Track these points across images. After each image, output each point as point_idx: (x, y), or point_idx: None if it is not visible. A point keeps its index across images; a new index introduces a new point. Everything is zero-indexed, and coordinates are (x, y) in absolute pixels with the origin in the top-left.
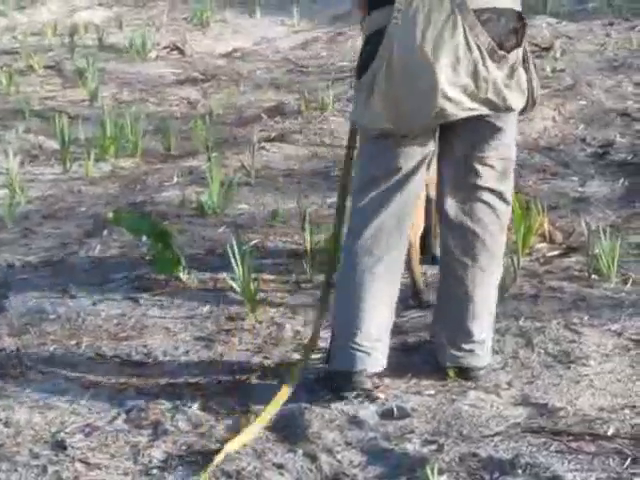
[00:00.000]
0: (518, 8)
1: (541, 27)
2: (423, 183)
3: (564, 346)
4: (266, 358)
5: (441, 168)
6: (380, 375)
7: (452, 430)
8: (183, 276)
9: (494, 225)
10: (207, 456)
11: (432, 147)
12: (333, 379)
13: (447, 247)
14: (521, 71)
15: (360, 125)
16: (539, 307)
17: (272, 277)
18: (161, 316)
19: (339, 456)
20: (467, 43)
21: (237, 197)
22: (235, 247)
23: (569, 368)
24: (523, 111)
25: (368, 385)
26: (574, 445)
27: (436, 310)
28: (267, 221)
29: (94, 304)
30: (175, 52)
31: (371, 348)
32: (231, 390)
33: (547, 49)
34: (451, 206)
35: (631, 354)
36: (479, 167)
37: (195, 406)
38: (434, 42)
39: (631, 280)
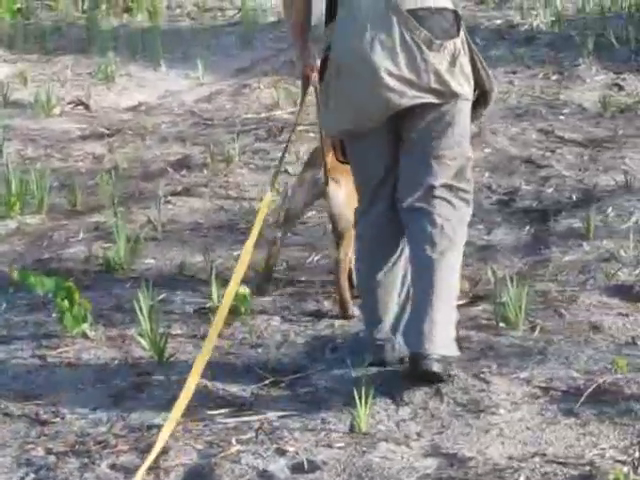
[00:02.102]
0: (451, 7)
1: None
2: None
3: (473, 395)
4: None
5: (399, 169)
6: (289, 428)
7: None
8: (90, 333)
9: (452, 217)
10: None
11: (393, 143)
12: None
13: (410, 240)
14: (464, 59)
15: (325, 128)
16: None
17: (180, 332)
18: (69, 373)
19: None
20: (403, 39)
21: (144, 252)
22: (142, 302)
23: (479, 417)
24: (482, 105)
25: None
26: None
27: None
28: (174, 275)
29: (1, 363)
30: (80, 107)
31: (389, 339)
32: (140, 447)
33: None
34: (409, 204)
35: (540, 402)
36: (435, 164)
37: (104, 464)
38: (372, 42)
39: (538, 328)
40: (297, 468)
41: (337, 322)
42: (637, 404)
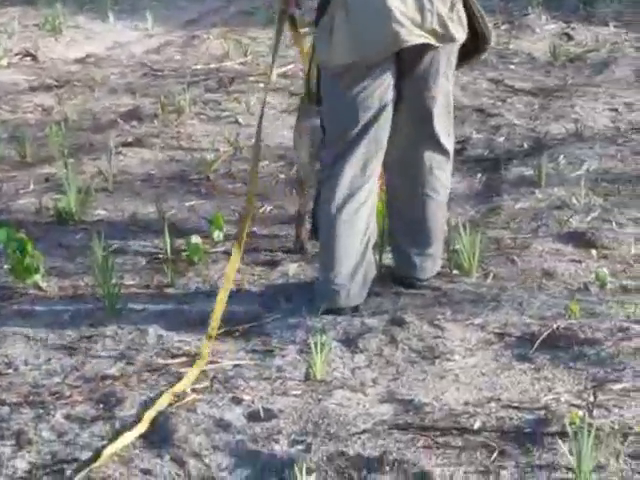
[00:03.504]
0: None
1: None
2: (387, 132)
3: (428, 342)
4: (129, 364)
5: (395, 112)
6: (244, 377)
7: (319, 430)
8: (42, 284)
9: (443, 162)
10: (73, 464)
11: (391, 82)
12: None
13: (403, 179)
14: (460, 6)
15: (327, 63)
16: (402, 303)
17: (133, 282)
18: (21, 325)
19: (207, 460)
20: None
21: (95, 203)
22: (95, 253)
23: (434, 364)
24: (479, 51)
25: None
26: (441, 440)
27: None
28: (126, 226)
29: None
30: (28, 59)
31: (344, 285)
32: (95, 397)
33: None
34: (404, 146)
35: (494, 348)
36: (430, 105)
37: (58, 415)
38: None
39: (492, 275)
40: (253, 416)
41: (290, 271)
42: (591, 349)
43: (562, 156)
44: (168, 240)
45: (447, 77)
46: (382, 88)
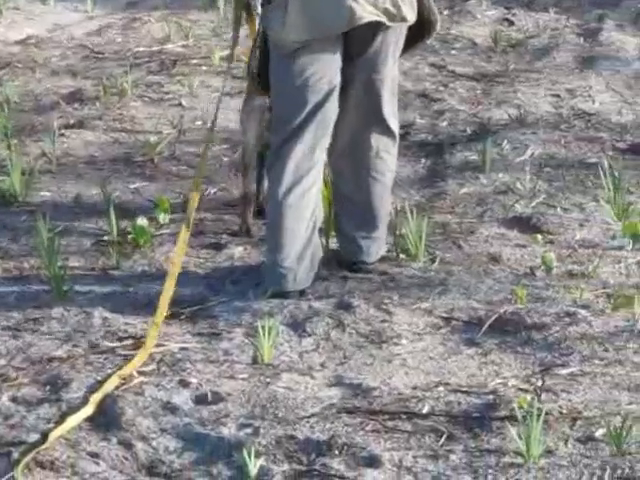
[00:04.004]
0: None
1: None
2: (334, 116)
3: (375, 326)
4: (75, 346)
5: (344, 93)
6: (191, 359)
7: (267, 413)
8: None
9: (390, 147)
10: (19, 447)
11: (340, 65)
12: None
13: (349, 162)
14: None
15: (281, 41)
16: (349, 287)
17: (78, 264)
18: None
19: (154, 443)
20: None
21: (39, 185)
22: (41, 234)
23: (381, 348)
24: (425, 36)
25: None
26: (390, 424)
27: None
28: (71, 208)
29: None
30: None
31: (292, 269)
32: (41, 379)
33: None
34: (352, 130)
35: (442, 332)
36: (379, 86)
37: (4, 397)
38: None
39: (438, 259)
40: (201, 400)
41: (236, 254)
42: (538, 334)
43: (506, 141)
44: (114, 222)
45: (395, 59)
46: (332, 71)
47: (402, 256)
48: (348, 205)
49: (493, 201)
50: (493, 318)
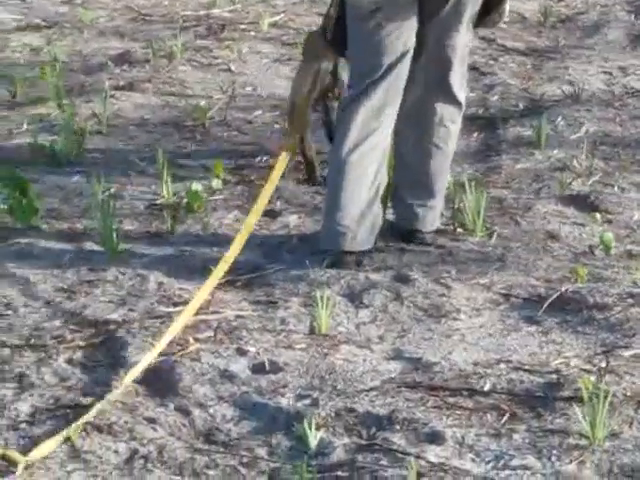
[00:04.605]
0: None
1: None
2: (405, 80)
3: (434, 300)
4: (131, 310)
5: (412, 61)
6: (248, 328)
7: (326, 385)
8: (41, 225)
9: (456, 118)
10: (76, 409)
11: (415, 29)
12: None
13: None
14: None
15: (357, 2)
16: (406, 260)
17: (131, 227)
18: (20, 267)
19: (212, 410)
20: None
21: (90, 146)
22: (95, 195)
23: (440, 322)
24: (498, 9)
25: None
26: (451, 400)
27: (399, 172)
28: (122, 170)
29: None
30: None
31: (350, 228)
32: (96, 343)
33: None
34: (421, 96)
35: (501, 309)
36: (450, 53)
37: (60, 359)
38: None
39: (495, 234)
40: (258, 369)
41: (292, 223)
42: (599, 314)
43: (560, 118)
44: (165, 186)
45: (468, 28)
46: (406, 33)
47: (459, 230)
48: (407, 172)
49: (549, 178)
50: (554, 296)
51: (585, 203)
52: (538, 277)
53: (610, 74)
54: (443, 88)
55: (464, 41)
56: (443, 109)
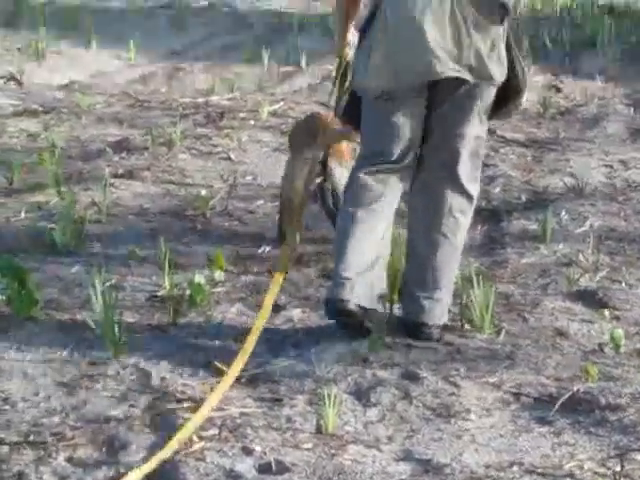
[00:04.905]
0: None
1: None
2: (413, 158)
3: (443, 399)
4: (132, 406)
5: (425, 141)
6: (253, 425)
7: None
8: (39, 317)
9: (465, 207)
10: None
11: (423, 115)
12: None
13: (415, 221)
14: (502, 47)
15: (363, 86)
16: (414, 357)
17: (133, 320)
18: (18, 359)
19: None
20: (453, 13)
21: (89, 234)
22: (96, 287)
23: (450, 422)
24: (513, 102)
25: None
26: None
27: (407, 261)
28: (123, 261)
29: None
30: (12, 83)
31: (350, 279)
32: (98, 440)
33: None
34: (427, 180)
35: (511, 408)
36: (458, 143)
37: (60, 457)
38: (424, 10)
39: (504, 331)
40: (265, 469)
41: (296, 317)
42: (612, 415)
43: (564, 212)
44: (167, 277)
45: (480, 119)
46: (414, 120)
47: (467, 326)
48: (416, 262)
49: (556, 273)
50: (566, 397)
51: (593, 299)
52: (548, 376)
53: (611, 167)
54: (452, 178)
55: (475, 132)
56: (452, 199)
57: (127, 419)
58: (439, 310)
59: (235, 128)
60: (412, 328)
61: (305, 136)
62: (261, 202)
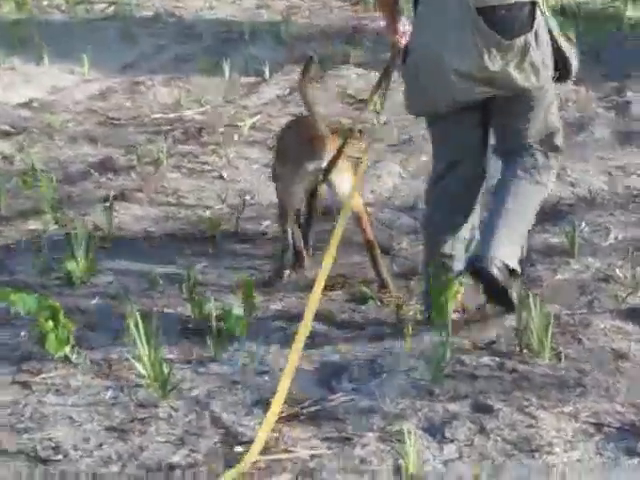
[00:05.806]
0: None
1: (350, 78)
2: (483, 162)
3: (521, 432)
4: (193, 451)
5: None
6: (328, 469)
7: None
8: (72, 355)
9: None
10: None
11: (476, 125)
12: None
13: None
14: (534, 53)
15: (415, 112)
16: (480, 386)
17: (171, 355)
18: (60, 403)
19: None
20: (474, 39)
21: (99, 263)
22: (131, 321)
23: (533, 457)
24: (565, 76)
25: None
26: None
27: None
28: (143, 290)
29: None
30: None
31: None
32: None
33: (363, 100)
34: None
35: (595, 440)
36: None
37: None
38: (444, 40)
39: (564, 356)
40: None
41: (343, 347)
42: None
43: (584, 223)
44: (195, 308)
45: (542, 114)
46: (466, 133)
47: (525, 351)
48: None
49: (595, 289)
50: None
51: None
52: (622, 402)
53: (609, 174)
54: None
55: (541, 117)
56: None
57: (191, 466)
58: (509, 250)
59: (219, 144)
60: (476, 261)
61: (299, 144)
62: (268, 223)
